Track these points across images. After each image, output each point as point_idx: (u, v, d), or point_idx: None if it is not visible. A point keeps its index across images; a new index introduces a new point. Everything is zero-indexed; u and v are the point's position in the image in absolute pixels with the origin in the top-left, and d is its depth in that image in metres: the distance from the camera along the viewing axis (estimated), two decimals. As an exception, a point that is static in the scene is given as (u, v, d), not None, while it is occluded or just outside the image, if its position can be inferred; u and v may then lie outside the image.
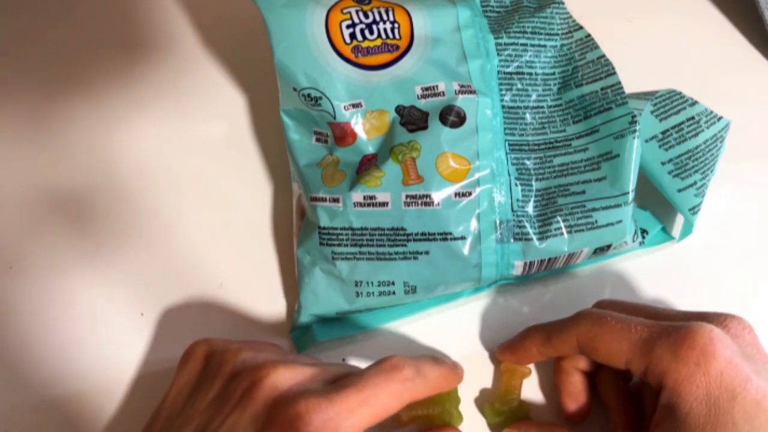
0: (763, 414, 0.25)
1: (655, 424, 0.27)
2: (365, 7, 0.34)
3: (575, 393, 0.31)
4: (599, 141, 0.34)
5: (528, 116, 0.35)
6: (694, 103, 0.35)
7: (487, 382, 0.34)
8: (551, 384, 0.33)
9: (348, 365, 0.31)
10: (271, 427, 0.25)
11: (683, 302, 0.36)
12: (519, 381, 0.33)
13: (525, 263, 0.33)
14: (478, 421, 0.33)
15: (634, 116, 0.33)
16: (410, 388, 0.27)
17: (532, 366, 0.33)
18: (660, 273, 0.37)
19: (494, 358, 0.34)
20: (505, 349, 0.33)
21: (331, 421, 0.25)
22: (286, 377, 0.26)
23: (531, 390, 0.33)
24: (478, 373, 0.34)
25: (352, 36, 0.34)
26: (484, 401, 0.33)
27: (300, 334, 0.34)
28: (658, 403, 0.27)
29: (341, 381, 0.26)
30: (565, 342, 0.30)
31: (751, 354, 0.27)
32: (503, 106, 0.34)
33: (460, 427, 0.32)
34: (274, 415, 0.25)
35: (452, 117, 0.33)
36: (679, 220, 0.37)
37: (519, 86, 0.35)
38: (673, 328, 0.27)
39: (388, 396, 0.26)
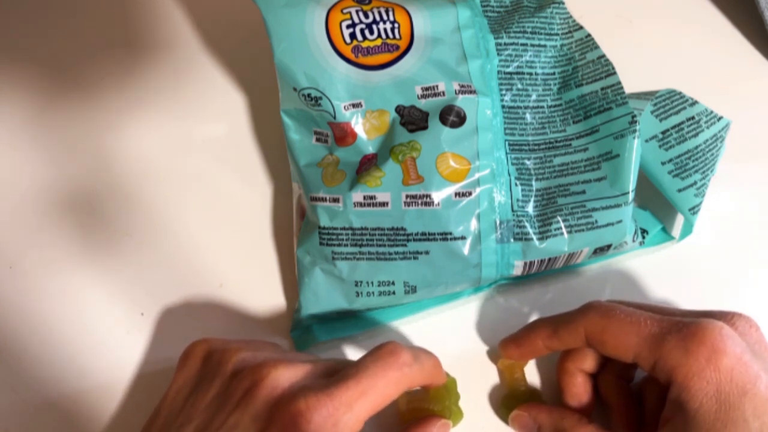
0: None
1: (664, 420, 0.27)
2: (365, 7, 0.34)
3: (578, 394, 0.31)
4: (599, 141, 0.34)
5: (528, 116, 0.35)
6: (694, 103, 0.35)
7: (488, 381, 0.34)
8: (551, 377, 0.33)
9: (346, 359, 0.31)
10: (272, 426, 0.25)
11: (683, 302, 0.36)
12: (521, 372, 0.33)
13: (525, 263, 0.33)
14: (479, 418, 0.33)
15: (634, 116, 0.33)
16: (408, 374, 0.27)
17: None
18: (660, 273, 0.37)
19: (494, 357, 0.34)
20: (509, 343, 0.32)
21: (331, 417, 0.25)
22: (286, 376, 0.26)
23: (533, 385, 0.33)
24: (478, 373, 0.34)
25: (352, 36, 0.34)
26: (497, 404, 0.33)
27: (300, 334, 0.34)
28: (666, 400, 0.27)
29: (339, 374, 0.26)
30: (572, 334, 0.29)
31: (759, 352, 0.27)
32: (503, 106, 0.34)
33: (462, 423, 0.32)
34: (275, 415, 0.25)
35: (452, 117, 0.33)
36: (679, 220, 0.37)
37: (519, 86, 0.35)
38: (682, 323, 0.27)
39: (386, 384, 0.26)
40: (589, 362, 0.31)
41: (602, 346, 0.28)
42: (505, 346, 0.33)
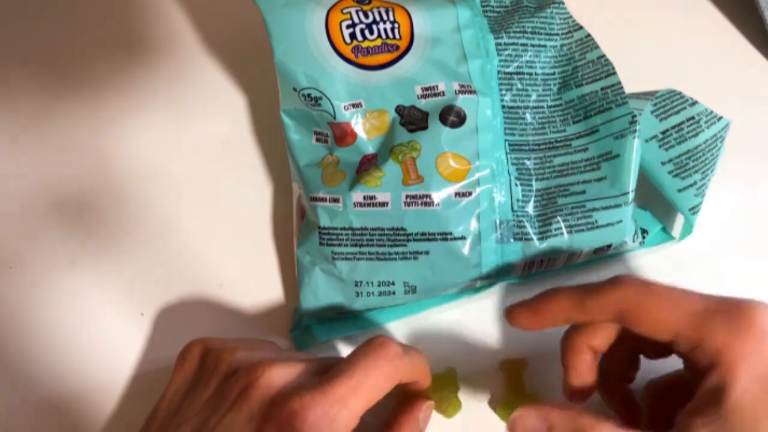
0: None
1: (694, 409, 0.25)
2: (365, 7, 0.34)
3: (582, 372, 0.29)
4: (599, 141, 0.34)
5: (528, 116, 0.35)
6: (694, 103, 0.35)
7: (487, 381, 0.34)
8: (551, 381, 0.33)
9: (341, 357, 0.31)
10: (267, 427, 0.25)
11: (683, 302, 0.36)
12: (520, 375, 0.33)
13: (525, 263, 0.33)
14: (477, 418, 0.33)
15: (634, 116, 0.33)
16: (399, 366, 0.27)
17: (527, 357, 0.33)
18: (660, 273, 0.37)
19: (495, 358, 0.34)
20: (523, 310, 0.29)
21: (327, 415, 0.25)
22: (281, 375, 0.26)
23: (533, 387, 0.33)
24: (478, 373, 0.34)
25: (352, 36, 0.34)
26: (495, 405, 0.33)
27: (300, 334, 0.34)
28: (701, 385, 0.25)
29: (332, 370, 0.26)
30: (602, 307, 0.27)
31: None
32: (503, 106, 0.34)
33: (460, 424, 0.32)
34: (270, 414, 0.25)
35: (452, 117, 0.33)
36: (679, 220, 0.37)
37: (519, 86, 0.35)
38: (729, 302, 0.25)
39: (378, 377, 0.26)
40: (599, 339, 0.29)
41: (637, 323, 0.26)
42: (517, 314, 0.29)
